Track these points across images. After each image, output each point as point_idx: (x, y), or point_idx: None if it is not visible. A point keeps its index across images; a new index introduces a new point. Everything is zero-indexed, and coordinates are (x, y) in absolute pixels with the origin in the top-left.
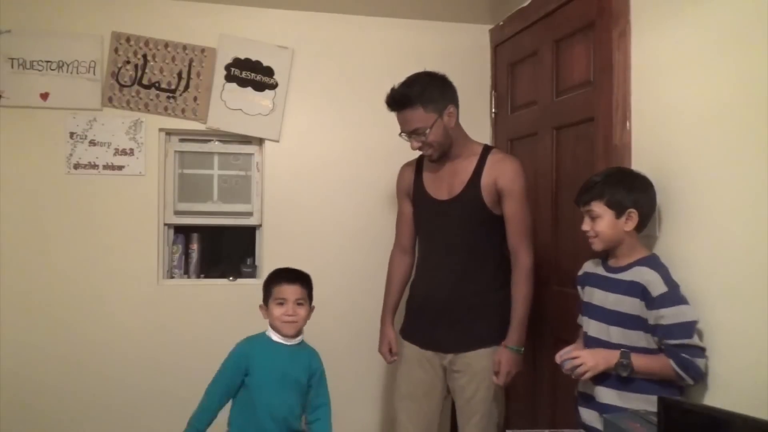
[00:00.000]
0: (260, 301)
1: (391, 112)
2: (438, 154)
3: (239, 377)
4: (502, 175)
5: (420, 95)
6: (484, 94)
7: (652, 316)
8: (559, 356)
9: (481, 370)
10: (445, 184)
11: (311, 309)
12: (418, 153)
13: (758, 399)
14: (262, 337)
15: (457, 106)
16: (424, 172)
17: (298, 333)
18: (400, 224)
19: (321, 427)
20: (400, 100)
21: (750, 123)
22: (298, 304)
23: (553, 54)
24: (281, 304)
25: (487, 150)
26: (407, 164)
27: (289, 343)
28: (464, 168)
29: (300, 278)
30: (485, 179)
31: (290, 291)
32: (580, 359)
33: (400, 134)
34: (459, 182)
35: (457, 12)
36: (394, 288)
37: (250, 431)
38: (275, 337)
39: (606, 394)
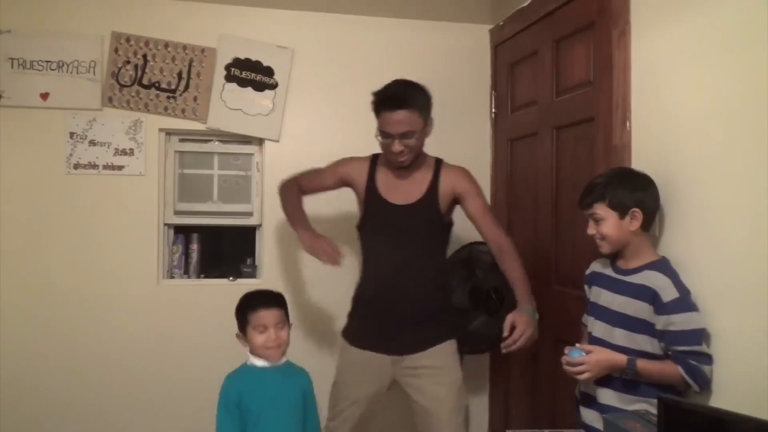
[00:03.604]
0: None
1: (381, 110)
2: (410, 161)
3: (237, 414)
4: (458, 181)
5: (419, 100)
6: (484, 94)
7: (662, 322)
8: (566, 358)
9: (442, 366)
10: (402, 190)
11: (290, 327)
12: (371, 151)
13: (760, 403)
14: (246, 368)
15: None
16: (378, 175)
17: (283, 354)
18: (314, 178)
19: None
20: (403, 99)
21: (750, 122)
22: (279, 327)
23: (553, 54)
24: (262, 331)
25: (439, 162)
26: (359, 159)
27: (275, 366)
28: (422, 177)
29: (276, 301)
30: (443, 188)
31: (269, 316)
32: (584, 367)
33: (376, 135)
34: (418, 190)
35: (457, 12)
36: (299, 203)
37: None
38: (260, 363)
39: (608, 396)
